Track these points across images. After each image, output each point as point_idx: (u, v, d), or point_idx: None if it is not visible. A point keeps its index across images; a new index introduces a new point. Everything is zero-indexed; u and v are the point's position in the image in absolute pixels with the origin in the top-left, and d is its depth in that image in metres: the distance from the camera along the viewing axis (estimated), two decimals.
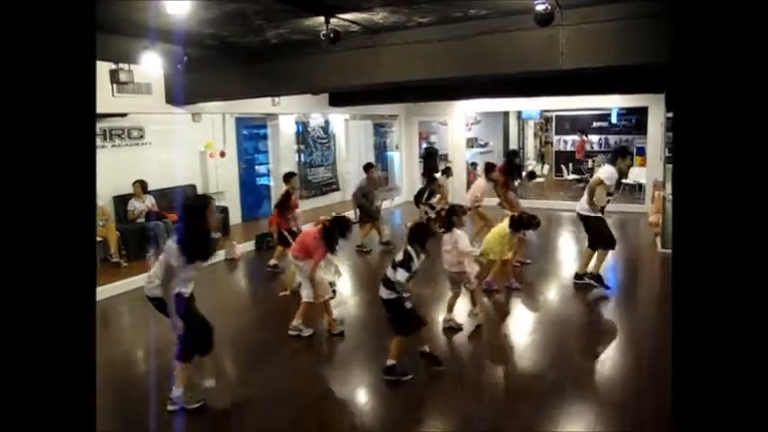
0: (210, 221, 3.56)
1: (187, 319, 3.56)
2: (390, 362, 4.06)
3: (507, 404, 3.87)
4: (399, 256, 4.07)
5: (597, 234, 6.10)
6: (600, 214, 6.03)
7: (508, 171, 8.20)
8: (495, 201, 8.27)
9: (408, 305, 4.06)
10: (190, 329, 3.57)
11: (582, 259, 6.35)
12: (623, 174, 6.47)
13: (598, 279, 6.10)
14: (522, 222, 5.97)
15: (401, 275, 3.96)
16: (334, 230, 4.80)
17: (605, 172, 6.03)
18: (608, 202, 6.12)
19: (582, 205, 6.16)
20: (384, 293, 4.09)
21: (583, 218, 6.16)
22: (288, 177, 7.45)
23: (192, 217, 3.51)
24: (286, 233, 6.91)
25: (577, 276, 6.26)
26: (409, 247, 4.06)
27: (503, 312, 5.65)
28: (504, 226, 5.99)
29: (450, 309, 5.11)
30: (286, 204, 7.14)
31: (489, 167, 8.18)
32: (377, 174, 8.79)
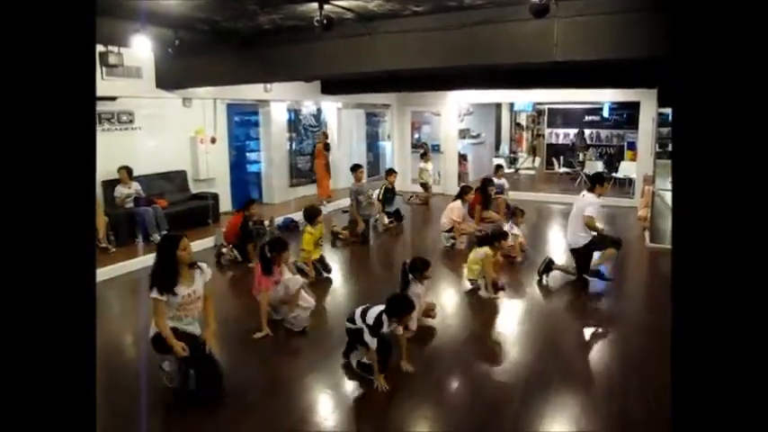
0: (182, 256, 3.63)
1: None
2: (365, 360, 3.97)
3: (493, 397, 3.90)
4: (371, 318, 3.86)
5: (604, 241, 6.14)
6: (593, 235, 6.04)
7: (482, 201, 8.70)
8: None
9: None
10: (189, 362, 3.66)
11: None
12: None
13: (597, 273, 6.20)
14: (491, 236, 6.09)
15: (370, 341, 3.81)
16: (266, 251, 4.90)
17: (591, 207, 6.00)
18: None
19: (573, 238, 6.14)
20: (347, 324, 4.01)
21: (574, 250, 6.18)
22: (247, 206, 7.41)
23: (162, 252, 3.66)
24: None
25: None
26: (384, 316, 3.85)
27: (490, 305, 5.68)
28: (478, 253, 5.87)
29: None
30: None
31: (465, 190, 8.43)
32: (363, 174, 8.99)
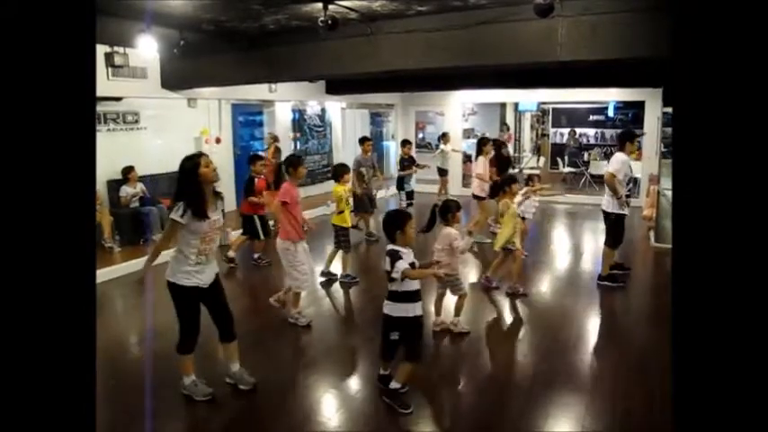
0: (206, 173, 3.46)
1: (180, 309, 3.56)
2: (395, 385, 3.59)
3: (497, 396, 3.89)
4: (387, 265, 3.43)
5: (614, 233, 5.99)
6: (625, 211, 5.88)
7: (498, 165, 8.61)
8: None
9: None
10: (183, 321, 3.58)
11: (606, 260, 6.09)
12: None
13: (609, 278, 6.10)
14: (501, 183, 6.01)
15: (401, 266, 3.34)
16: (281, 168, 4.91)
17: (614, 163, 5.74)
18: (629, 195, 5.94)
19: (605, 200, 5.96)
20: (388, 308, 3.48)
21: (605, 215, 5.96)
22: (253, 160, 7.14)
23: (184, 174, 3.48)
24: (256, 218, 6.90)
25: (603, 278, 6.08)
26: (390, 246, 3.48)
27: (495, 304, 5.67)
28: (507, 213, 5.74)
29: (438, 311, 4.81)
30: (251, 189, 6.92)
31: (483, 141, 8.28)
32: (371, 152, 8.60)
